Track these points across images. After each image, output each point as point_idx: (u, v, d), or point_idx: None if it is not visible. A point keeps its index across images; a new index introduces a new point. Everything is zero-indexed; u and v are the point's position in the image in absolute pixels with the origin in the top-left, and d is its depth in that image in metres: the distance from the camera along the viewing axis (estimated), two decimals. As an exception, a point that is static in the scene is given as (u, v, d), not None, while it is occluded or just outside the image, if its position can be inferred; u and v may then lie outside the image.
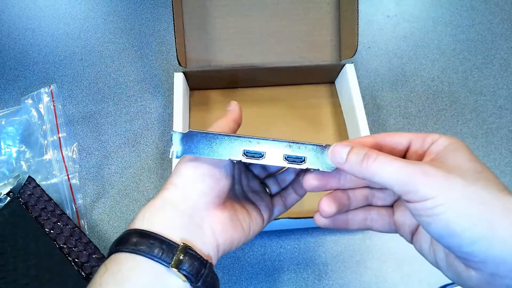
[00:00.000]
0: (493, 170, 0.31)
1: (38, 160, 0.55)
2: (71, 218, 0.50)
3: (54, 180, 0.54)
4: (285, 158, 0.28)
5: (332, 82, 0.62)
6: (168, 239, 0.26)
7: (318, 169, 0.28)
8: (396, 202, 0.31)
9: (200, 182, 0.29)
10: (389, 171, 0.24)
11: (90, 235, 0.51)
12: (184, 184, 0.29)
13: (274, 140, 0.28)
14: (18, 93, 0.61)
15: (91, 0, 0.71)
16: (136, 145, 0.58)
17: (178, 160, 0.31)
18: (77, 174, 0.55)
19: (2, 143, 0.55)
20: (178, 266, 0.26)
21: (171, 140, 0.28)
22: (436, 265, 0.28)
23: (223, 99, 0.60)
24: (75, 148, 0.57)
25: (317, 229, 0.52)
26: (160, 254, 0.26)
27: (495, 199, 0.22)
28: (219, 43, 0.57)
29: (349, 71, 0.56)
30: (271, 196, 0.36)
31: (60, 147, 0.56)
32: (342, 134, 0.57)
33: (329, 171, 0.28)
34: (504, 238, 0.21)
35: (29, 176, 0.51)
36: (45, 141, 0.56)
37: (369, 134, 0.51)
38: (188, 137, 0.28)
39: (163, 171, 0.56)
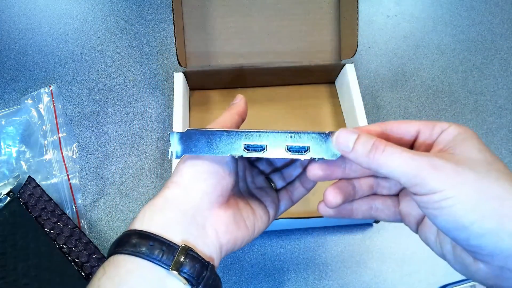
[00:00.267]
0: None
1: (38, 160, 0.55)
2: (71, 218, 0.50)
3: (54, 180, 0.54)
4: (287, 149, 0.27)
5: (332, 82, 0.62)
6: (168, 240, 0.26)
7: (323, 158, 0.27)
8: (401, 191, 0.31)
9: (202, 181, 0.28)
10: (396, 164, 0.23)
11: (90, 235, 0.51)
12: (186, 183, 0.28)
13: (274, 132, 0.27)
14: (18, 93, 0.61)
15: (91, 0, 0.71)
16: (136, 145, 0.58)
17: (178, 160, 0.30)
18: (77, 174, 0.55)
19: (2, 143, 0.55)
20: (178, 268, 0.25)
21: (169, 141, 0.28)
22: (443, 256, 0.27)
23: (223, 99, 0.60)
24: (75, 148, 0.57)
25: (317, 229, 0.52)
26: (160, 256, 0.25)
27: (507, 192, 0.22)
28: (219, 43, 0.57)
29: (349, 71, 0.56)
30: (277, 191, 0.35)
31: (60, 147, 0.56)
32: (342, 134, 0.57)
33: (334, 159, 0.27)
34: None
35: (29, 176, 0.51)
36: (45, 141, 0.56)
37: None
38: (186, 136, 0.27)
39: (163, 171, 0.56)
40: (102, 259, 0.47)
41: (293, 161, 0.35)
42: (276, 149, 0.27)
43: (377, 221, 0.51)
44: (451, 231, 0.23)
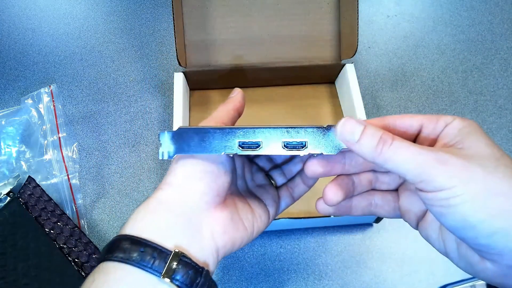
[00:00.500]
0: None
1: (38, 160, 0.55)
2: (71, 218, 0.50)
3: (54, 180, 0.54)
4: (284, 146, 0.26)
5: (332, 82, 0.62)
6: (160, 245, 0.24)
7: (321, 154, 0.26)
8: (401, 186, 0.29)
9: (197, 181, 0.27)
10: (403, 158, 0.22)
11: (90, 235, 0.51)
12: (180, 184, 0.27)
13: (270, 128, 0.26)
14: (18, 93, 0.61)
15: (91, 0, 0.71)
16: (136, 145, 0.58)
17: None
18: (77, 174, 0.55)
19: (2, 143, 0.55)
20: (170, 275, 0.23)
21: (159, 141, 0.26)
22: (445, 254, 0.26)
23: (223, 99, 0.59)
24: (75, 148, 0.57)
25: (317, 229, 0.52)
26: (151, 262, 0.23)
27: None
28: (219, 43, 0.57)
29: (349, 71, 0.56)
30: (277, 188, 0.34)
31: (60, 147, 0.56)
32: (342, 134, 0.57)
33: (333, 154, 0.26)
34: None
35: (29, 176, 0.51)
36: (45, 141, 0.56)
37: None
38: (178, 135, 0.26)
39: (163, 171, 0.56)
40: (102, 259, 0.47)
41: (293, 157, 0.34)
42: (272, 145, 0.26)
43: (377, 221, 0.51)
44: (458, 230, 0.22)
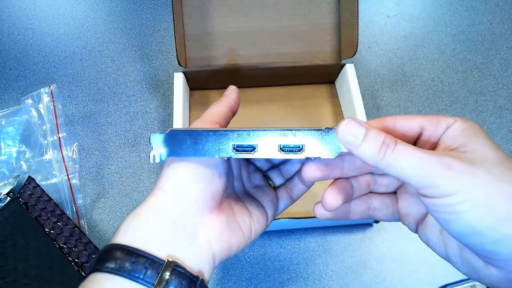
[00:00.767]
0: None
1: (38, 160, 0.55)
2: (71, 218, 0.50)
3: (54, 180, 0.54)
4: (280, 149, 0.25)
5: (332, 82, 0.62)
6: (152, 255, 0.23)
7: (319, 157, 0.24)
8: (399, 188, 0.29)
9: (191, 185, 0.26)
10: (407, 164, 0.21)
11: (90, 235, 0.51)
12: (172, 189, 0.26)
13: (266, 130, 0.25)
14: (18, 93, 0.61)
15: (91, 0, 0.71)
16: (136, 145, 0.58)
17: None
18: (77, 174, 0.55)
19: (2, 143, 0.55)
20: (163, 286, 0.23)
21: (150, 143, 0.25)
22: (447, 258, 0.26)
23: (223, 99, 0.60)
24: (75, 148, 0.57)
25: (317, 229, 0.52)
26: (143, 273, 0.23)
27: None
28: (219, 43, 0.57)
29: (349, 71, 0.56)
30: (275, 189, 0.33)
31: (60, 147, 0.56)
32: (342, 134, 0.57)
33: (331, 157, 0.24)
34: None
35: (29, 176, 0.51)
36: (45, 141, 0.56)
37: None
38: (170, 138, 0.25)
39: (163, 171, 0.55)
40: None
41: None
42: (267, 148, 0.25)
43: (377, 221, 0.51)
44: (464, 236, 0.21)
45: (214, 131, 0.25)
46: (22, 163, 0.54)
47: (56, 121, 0.58)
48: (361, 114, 0.52)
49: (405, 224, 0.29)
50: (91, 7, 0.70)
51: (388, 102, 0.62)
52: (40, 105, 0.58)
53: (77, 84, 0.63)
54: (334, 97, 0.61)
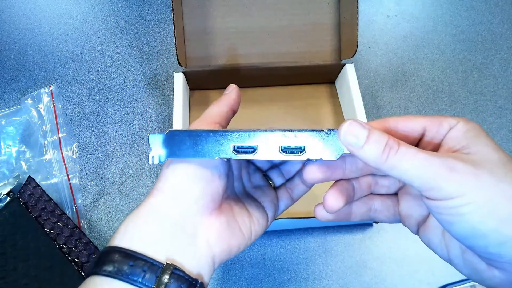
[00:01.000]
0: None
1: (38, 160, 0.55)
2: (71, 218, 0.50)
3: (54, 180, 0.54)
4: (281, 150, 0.24)
5: (332, 82, 0.62)
6: (151, 258, 0.23)
7: (321, 159, 0.24)
8: (400, 190, 0.29)
9: (190, 187, 0.26)
10: (410, 166, 0.21)
11: (90, 235, 0.51)
12: (172, 190, 0.26)
13: (267, 131, 0.24)
14: (18, 93, 0.61)
15: (91, 0, 0.71)
16: (136, 145, 0.58)
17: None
18: (77, 174, 0.55)
19: (2, 143, 0.55)
20: None
21: (149, 144, 0.25)
22: (449, 260, 0.26)
23: (223, 99, 0.60)
24: (75, 148, 0.57)
25: (317, 229, 0.52)
26: (142, 277, 0.22)
27: None
28: (219, 43, 0.57)
29: (349, 71, 0.56)
30: (275, 189, 0.33)
31: (60, 147, 0.56)
32: (342, 134, 0.57)
33: (333, 159, 0.24)
34: None
35: (29, 176, 0.51)
36: (45, 141, 0.56)
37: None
38: (169, 138, 0.25)
39: (163, 171, 0.55)
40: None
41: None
42: (268, 150, 0.24)
43: (377, 222, 0.51)
44: (467, 238, 0.21)
45: (214, 131, 0.25)
46: (22, 163, 0.54)
47: (56, 121, 0.58)
48: (361, 114, 0.52)
49: (406, 226, 0.29)
50: (91, 7, 0.70)
51: (388, 102, 0.62)
52: (40, 105, 0.58)
53: (77, 84, 0.63)
54: (334, 97, 0.61)
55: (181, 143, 0.25)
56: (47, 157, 0.55)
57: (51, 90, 0.60)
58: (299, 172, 0.33)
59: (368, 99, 0.62)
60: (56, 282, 0.45)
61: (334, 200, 0.26)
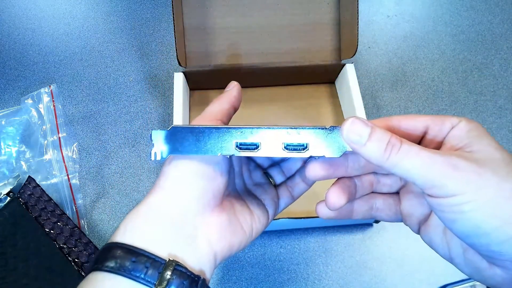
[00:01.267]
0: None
1: (38, 160, 0.55)
2: (71, 218, 0.50)
3: (54, 180, 0.54)
4: (284, 147, 0.24)
5: (332, 82, 0.62)
6: (153, 254, 0.23)
7: (324, 156, 0.24)
8: (402, 189, 0.29)
9: (192, 184, 0.25)
10: (413, 164, 0.21)
11: (90, 235, 0.51)
12: (173, 187, 0.25)
13: (269, 128, 0.24)
14: (18, 93, 0.61)
15: (91, 0, 0.71)
16: (136, 145, 0.58)
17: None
18: (77, 174, 0.55)
19: (2, 143, 0.55)
20: (164, 286, 0.22)
21: (151, 140, 0.25)
22: (450, 259, 0.26)
23: (223, 99, 0.60)
24: (75, 148, 0.57)
25: (317, 229, 0.52)
26: (144, 273, 0.22)
27: None
28: (219, 43, 0.57)
29: (349, 71, 0.56)
30: (276, 187, 0.33)
31: (60, 147, 0.56)
32: (342, 134, 0.57)
33: (336, 157, 0.24)
34: None
35: (29, 176, 0.51)
36: (45, 141, 0.56)
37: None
38: (172, 135, 0.24)
39: (163, 171, 0.55)
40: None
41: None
42: (271, 147, 0.24)
43: (377, 221, 0.51)
44: (470, 236, 0.21)
45: (217, 128, 0.24)
46: (22, 163, 0.54)
47: (56, 121, 0.58)
48: (361, 114, 0.52)
49: (407, 225, 0.29)
50: (91, 7, 0.70)
51: (388, 102, 0.62)
52: (40, 105, 0.58)
53: (77, 84, 0.63)
54: (334, 97, 0.61)
55: (183, 140, 0.24)
56: (47, 157, 0.55)
57: (51, 90, 0.60)
58: (300, 170, 0.33)
59: (368, 99, 0.62)
60: (56, 282, 0.45)
61: (337, 197, 0.26)
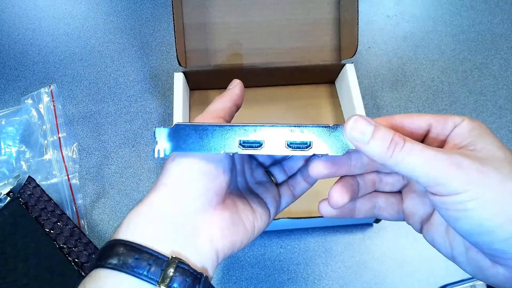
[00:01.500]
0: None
1: (38, 160, 0.55)
2: (71, 218, 0.50)
3: (54, 180, 0.54)
4: (287, 145, 0.24)
5: (332, 82, 0.62)
6: (156, 251, 0.23)
7: (327, 154, 0.24)
8: (404, 188, 0.29)
9: (194, 181, 0.25)
10: (416, 162, 0.21)
11: (90, 235, 0.51)
12: (176, 184, 0.26)
13: (273, 126, 0.24)
14: (18, 93, 0.61)
15: (91, 0, 0.71)
16: (136, 145, 0.58)
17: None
18: (77, 174, 0.55)
19: (2, 143, 0.55)
20: (167, 284, 0.22)
21: (155, 138, 0.25)
22: (452, 258, 0.26)
23: (223, 99, 0.60)
24: (75, 148, 0.57)
25: (317, 229, 0.52)
26: (147, 270, 0.22)
27: None
28: (219, 43, 0.57)
29: (349, 71, 0.56)
30: (277, 185, 0.33)
31: (60, 147, 0.56)
32: (342, 134, 0.57)
33: (339, 155, 0.24)
34: None
35: (29, 176, 0.51)
36: (45, 141, 0.56)
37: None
38: (175, 132, 0.24)
39: (163, 171, 0.55)
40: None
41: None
42: (274, 145, 0.24)
43: (377, 221, 0.51)
44: (473, 235, 0.22)
45: (221, 125, 0.24)
46: (22, 163, 0.54)
47: (56, 121, 0.58)
48: (361, 114, 0.52)
49: (409, 224, 0.29)
50: (91, 7, 0.70)
51: (388, 102, 0.62)
52: (40, 105, 0.58)
53: (77, 84, 0.63)
54: (334, 97, 0.61)
55: (186, 137, 0.24)
56: (47, 157, 0.55)
57: (51, 90, 0.60)
58: (301, 169, 0.33)
59: (368, 99, 0.62)
60: (56, 282, 0.45)
61: (339, 195, 0.26)
